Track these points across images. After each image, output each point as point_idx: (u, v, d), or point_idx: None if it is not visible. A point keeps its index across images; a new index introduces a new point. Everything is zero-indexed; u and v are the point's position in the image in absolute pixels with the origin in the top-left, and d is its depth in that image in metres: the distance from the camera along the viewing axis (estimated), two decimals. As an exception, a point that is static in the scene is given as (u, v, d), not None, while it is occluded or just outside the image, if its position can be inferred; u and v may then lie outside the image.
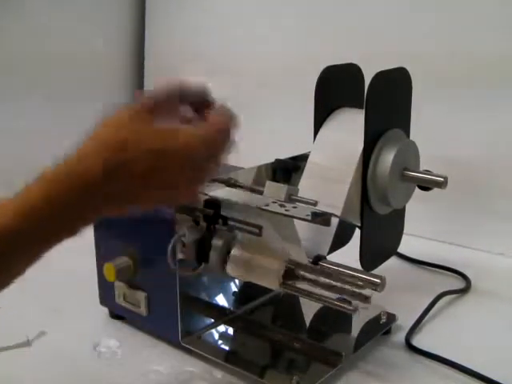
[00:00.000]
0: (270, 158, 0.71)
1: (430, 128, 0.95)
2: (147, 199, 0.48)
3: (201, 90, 0.52)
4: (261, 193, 0.64)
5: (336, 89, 0.67)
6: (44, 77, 1.20)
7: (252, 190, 0.65)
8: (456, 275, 0.88)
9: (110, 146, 0.44)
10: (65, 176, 0.44)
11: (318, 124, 0.67)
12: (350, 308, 0.56)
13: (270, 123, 1.18)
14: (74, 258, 0.90)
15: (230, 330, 0.71)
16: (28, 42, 1.17)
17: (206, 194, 0.60)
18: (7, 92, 1.13)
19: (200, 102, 0.52)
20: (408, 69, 0.64)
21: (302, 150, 0.69)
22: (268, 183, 0.64)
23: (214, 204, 0.61)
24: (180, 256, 0.63)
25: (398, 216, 0.68)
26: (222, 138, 0.49)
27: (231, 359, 0.65)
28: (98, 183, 0.44)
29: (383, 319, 0.71)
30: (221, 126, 0.49)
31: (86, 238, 0.73)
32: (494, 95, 0.94)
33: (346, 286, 0.57)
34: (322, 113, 0.67)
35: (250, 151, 1.06)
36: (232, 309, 0.73)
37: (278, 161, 0.69)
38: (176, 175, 0.47)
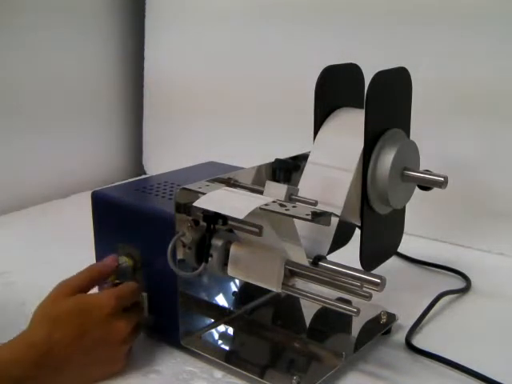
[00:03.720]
0: (269, 158, 0.71)
1: (430, 128, 0.96)
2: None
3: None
4: (261, 193, 0.64)
5: (336, 89, 0.67)
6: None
7: (252, 190, 0.65)
8: (456, 275, 0.88)
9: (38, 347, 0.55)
10: None
11: (318, 124, 0.67)
12: (354, 310, 0.56)
13: (269, 122, 1.18)
14: (75, 257, 0.90)
15: (230, 330, 0.71)
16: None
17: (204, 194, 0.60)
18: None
19: None
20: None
21: (302, 150, 0.69)
22: (268, 183, 0.64)
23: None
24: (180, 256, 0.63)
25: (398, 216, 0.68)
26: (129, 292, 0.63)
27: (231, 359, 0.65)
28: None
29: (383, 319, 0.71)
30: (129, 285, 0.64)
31: (86, 237, 0.74)
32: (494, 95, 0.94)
33: (346, 286, 0.57)
34: (322, 113, 0.67)
35: (249, 150, 1.06)
36: (232, 309, 0.73)
37: (277, 161, 0.69)
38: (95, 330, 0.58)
